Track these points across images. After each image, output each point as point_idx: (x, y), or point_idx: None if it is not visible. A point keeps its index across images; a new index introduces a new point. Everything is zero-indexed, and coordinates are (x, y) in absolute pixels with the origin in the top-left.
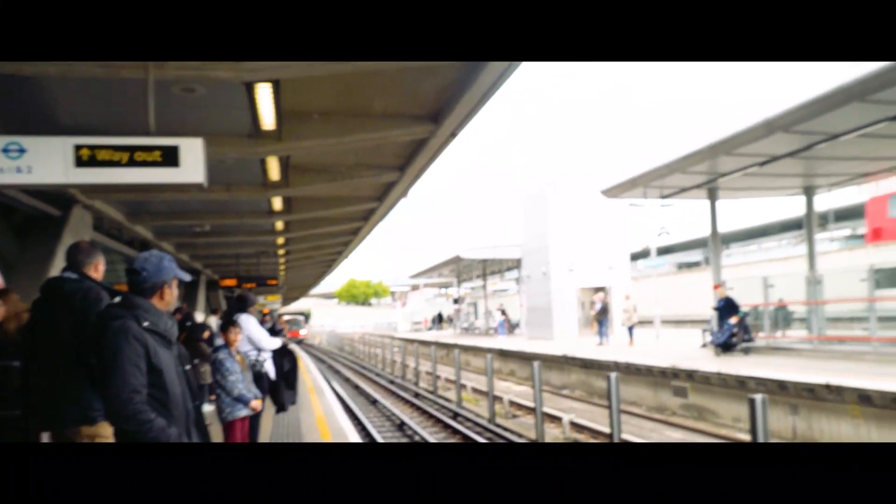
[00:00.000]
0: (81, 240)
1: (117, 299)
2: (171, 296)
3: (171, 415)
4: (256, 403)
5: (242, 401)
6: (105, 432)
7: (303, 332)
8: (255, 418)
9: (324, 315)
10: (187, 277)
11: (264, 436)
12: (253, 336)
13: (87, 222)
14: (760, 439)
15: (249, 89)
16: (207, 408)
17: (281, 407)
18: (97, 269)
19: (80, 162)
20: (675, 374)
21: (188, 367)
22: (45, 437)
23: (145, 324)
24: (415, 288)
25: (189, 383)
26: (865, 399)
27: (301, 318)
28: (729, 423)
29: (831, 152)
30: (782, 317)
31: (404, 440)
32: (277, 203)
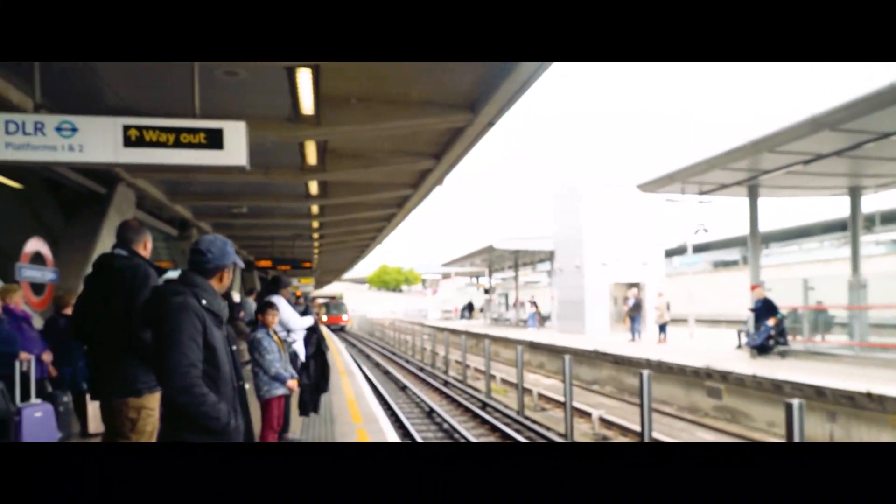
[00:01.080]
0: (131, 218)
1: (170, 275)
2: (229, 279)
3: (220, 391)
4: (293, 383)
5: (280, 379)
6: (150, 404)
7: (345, 318)
8: (289, 398)
9: (355, 300)
10: (242, 264)
11: (297, 417)
12: (282, 317)
13: (130, 200)
14: None
15: (291, 74)
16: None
17: (303, 410)
18: (146, 247)
19: (128, 142)
20: (708, 374)
21: (235, 347)
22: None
23: (203, 302)
24: (446, 276)
25: (235, 363)
26: None
27: (343, 301)
28: (763, 427)
29: (880, 152)
30: (823, 321)
31: (433, 427)
32: (314, 187)
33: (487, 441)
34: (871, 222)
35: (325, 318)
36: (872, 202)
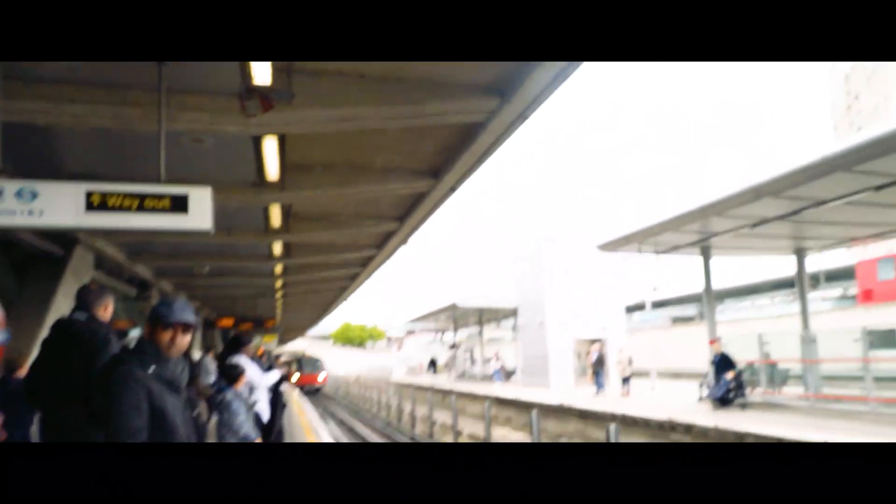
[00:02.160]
0: (90, 280)
1: (134, 333)
2: (182, 340)
3: None
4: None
5: (248, 440)
6: None
7: (321, 378)
8: None
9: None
10: (191, 323)
11: None
12: (247, 377)
13: (88, 262)
14: None
15: (256, 142)
16: None
17: None
18: (106, 310)
19: (90, 207)
20: (672, 426)
21: (196, 411)
22: None
23: (150, 370)
24: (411, 332)
25: (197, 428)
26: None
27: (318, 358)
28: None
29: (820, 217)
30: (778, 374)
31: None
32: (277, 248)
33: None
34: (816, 280)
35: (296, 376)
36: (817, 261)
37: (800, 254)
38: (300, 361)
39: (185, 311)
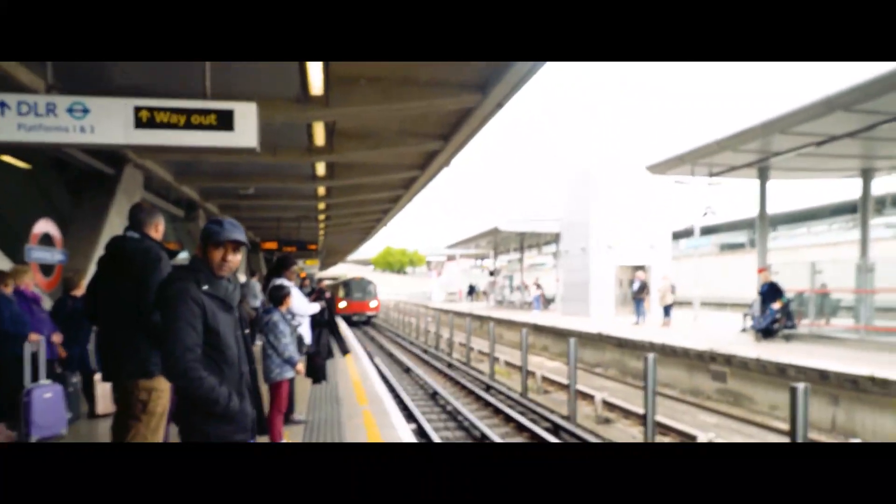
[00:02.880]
0: (140, 200)
1: (182, 256)
2: (233, 259)
3: (224, 375)
4: (301, 366)
5: (291, 363)
6: (161, 385)
7: (373, 305)
8: (293, 380)
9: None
10: (247, 243)
11: (303, 399)
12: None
13: (138, 181)
14: (800, 429)
15: None
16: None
17: (315, 378)
18: (157, 230)
19: (139, 123)
20: (712, 357)
21: (247, 330)
22: (106, 388)
23: (205, 287)
24: (451, 258)
25: (246, 347)
26: None
27: (369, 282)
28: (765, 411)
29: (894, 133)
30: (829, 304)
31: (437, 409)
32: (321, 168)
33: (492, 423)
34: (881, 205)
35: (343, 303)
36: (884, 184)
37: (866, 175)
38: (348, 285)
39: (236, 230)
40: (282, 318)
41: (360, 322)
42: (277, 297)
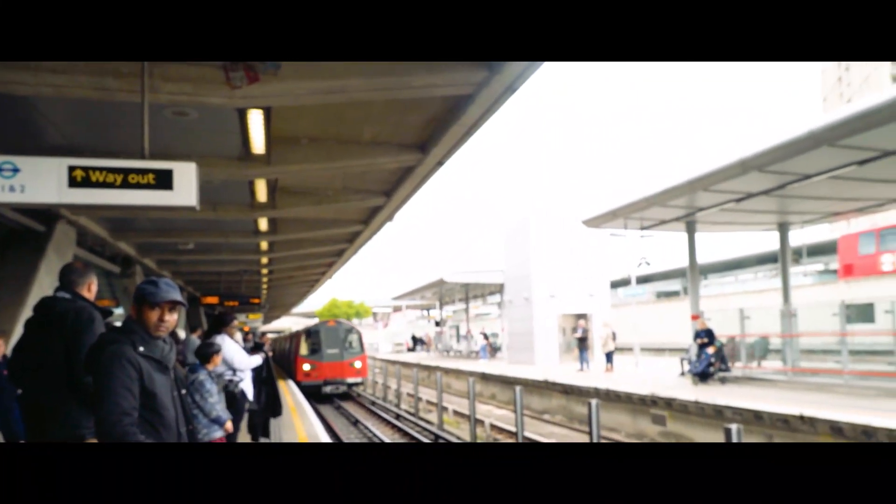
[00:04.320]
0: (72, 258)
1: (117, 323)
2: (170, 319)
3: (162, 437)
4: (229, 425)
5: (219, 422)
6: None
7: (357, 365)
8: (227, 438)
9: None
10: (184, 303)
11: None
12: (227, 356)
13: (70, 238)
14: None
15: (241, 115)
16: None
17: (254, 435)
18: (90, 289)
19: (73, 182)
20: (654, 401)
21: (184, 391)
22: None
23: (141, 349)
24: (397, 309)
25: (184, 407)
26: (837, 430)
27: (350, 328)
28: None
29: (804, 192)
30: (758, 348)
31: None
32: (263, 223)
33: None
34: (798, 255)
35: (306, 366)
36: (799, 236)
37: (783, 229)
38: (313, 335)
39: (172, 290)
40: (208, 376)
41: (336, 394)
42: (205, 354)
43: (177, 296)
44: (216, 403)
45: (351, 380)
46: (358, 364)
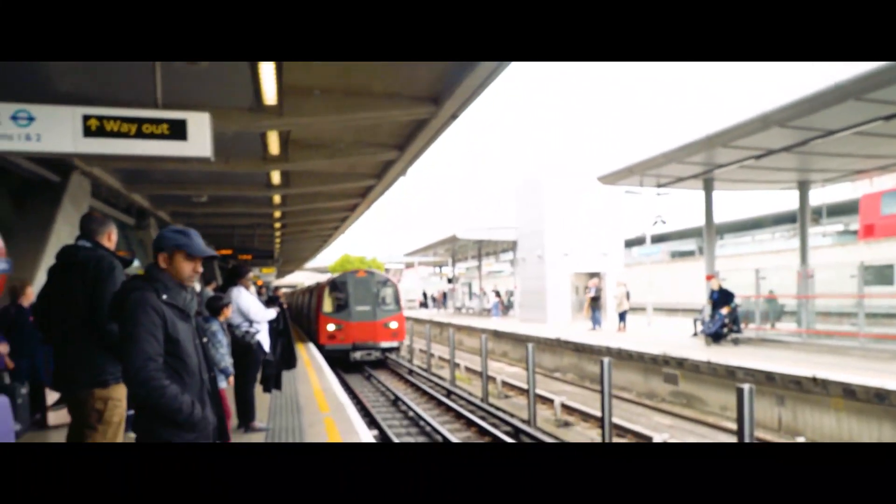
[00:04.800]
0: (93, 209)
1: (135, 267)
2: (190, 269)
3: (186, 383)
4: (231, 379)
5: (226, 373)
6: (116, 394)
7: (393, 326)
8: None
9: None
10: (215, 254)
11: (263, 407)
12: (243, 307)
13: (85, 189)
14: (746, 428)
15: (253, 65)
16: None
17: (266, 387)
18: (110, 239)
19: (88, 132)
20: (665, 361)
21: (205, 339)
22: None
23: (164, 297)
24: (409, 266)
25: (206, 355)
26: (849, 393)
27: (384, 279)
28: (716, 412)
29: (826, 148)
30: (773, 309)
31: (399, 416)
32: (276, 177)
33: (453, 427)
34: (818, 215)
35: (331, 325)
36: (820, 195)
37: (803, 187)
38: (340, 287)
39: (202, 243)
40: (220, 327)
41: (365, 362)
42: (215, 307)
43: (210, 251)
44: (225, 355)
45: (385, 344)
46: (394, 325)
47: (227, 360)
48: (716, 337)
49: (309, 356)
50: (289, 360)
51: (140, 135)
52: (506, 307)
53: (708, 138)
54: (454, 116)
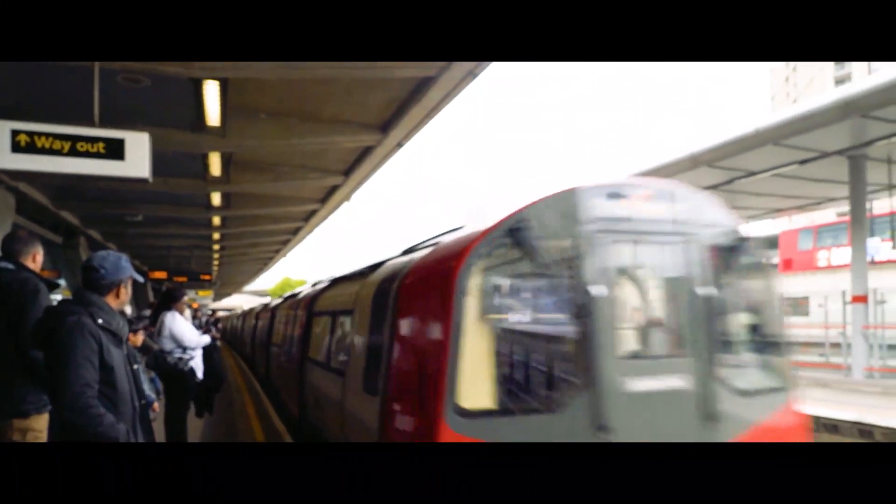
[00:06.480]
0: (13, 225)
1: (63, 287)
2: (126, 295)
3: (119, 411)
4: (157, 405)
5: (147, 402)
6: (37, 426)
7: None
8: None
9: None
10: (140, 279)
11: (194, 437)
12: (177, 333)
13: (9, 204)
14: None
15: (197, 85)
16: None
17: (199, 411)
18: (35, 260)
19: (16, 147)
20: None
21: (136, 366)
22: None
23: (99, 321)
24: None
25: (136, 382)
26: None
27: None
28: None
29: (749, 188)
30: None
31: None
32: (216, 198)
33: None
34: None
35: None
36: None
37: None
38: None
39: (124, 268)
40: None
41: None
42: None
43: (137, 275)
44: (144, 382)
45: None
46: None
47: (145, 387)
48: None
49: (243, 381)
50: (218, 384)
51: (74, 153)
52: None
53: (645, 173)
54: (400, 144)
